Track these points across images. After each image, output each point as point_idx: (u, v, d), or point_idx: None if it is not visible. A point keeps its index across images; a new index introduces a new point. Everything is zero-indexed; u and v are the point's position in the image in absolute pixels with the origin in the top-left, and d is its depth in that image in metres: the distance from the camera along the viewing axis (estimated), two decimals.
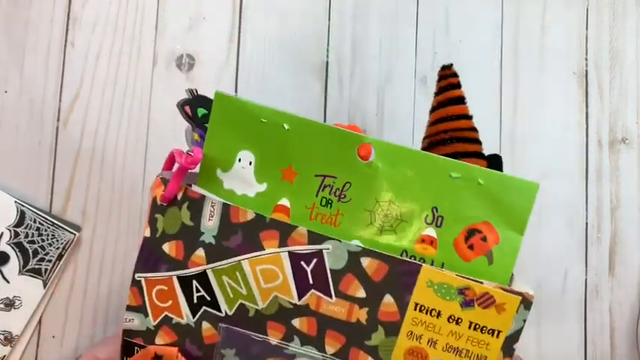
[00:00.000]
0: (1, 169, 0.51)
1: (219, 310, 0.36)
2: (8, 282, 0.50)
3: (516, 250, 0.34)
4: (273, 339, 0.36)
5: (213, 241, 0.36)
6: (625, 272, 0.51)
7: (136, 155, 0.52)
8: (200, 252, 0.36)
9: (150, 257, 0.37)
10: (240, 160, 0.37)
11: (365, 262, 0.35)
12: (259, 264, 0.36)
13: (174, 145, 0.41)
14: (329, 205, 0.36)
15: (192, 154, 0.36)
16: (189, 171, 0.37)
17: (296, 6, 0.54)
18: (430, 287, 0.34)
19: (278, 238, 0.35)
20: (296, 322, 0.35)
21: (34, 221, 0.50)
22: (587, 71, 0.52)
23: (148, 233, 0.37)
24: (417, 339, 0.34)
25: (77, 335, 0.50)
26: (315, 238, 0.35)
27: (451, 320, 0.34)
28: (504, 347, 0.34)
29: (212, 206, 0.36)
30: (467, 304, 0.34)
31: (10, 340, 0.50)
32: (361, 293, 0.35)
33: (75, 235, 0.51)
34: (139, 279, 0.37)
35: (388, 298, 0.34)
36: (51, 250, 0.50)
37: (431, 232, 0.35)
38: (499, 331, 0.34)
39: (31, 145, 0.52)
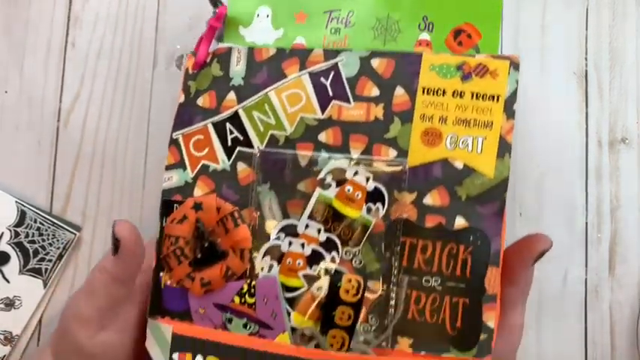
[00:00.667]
0: (1, 169, 0.52)
1: (252, 147, 0.39)
2: (8, 282, 0.50)
3: (497, 43, 0.39)
4: (304, 153, 0.39)
5: (242, 82, 0.40)
6: (625, 272, 0.51)
7: (136, 155, 0.52)
8: (231, 95, 0.40)
9: (185, 115, 0.41)
10: (258, 15, 0.42)
11: (375, 62, 0.39)
12: (284, 91, 0.39)
13: None
14: (337, 33, 0.41)
15: (217, 11, 0.40)
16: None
17: None
18: (433, 70, 0.38)
19: (298, 64, 0.40)
20: (322, 137, 0.39)
21: (35, 221, 0.50)
22: (587, 71, 0.52)
23: (182, 99, 0.42)
24: (429, 120, 0.38)
25: None
26: (329, 54, 0.39)
27: (455, 95, 0.38)
28: (506, 109, 0.37)
29: (238, 53, 0.41)
30: (466, 77, 0.38)
31: (10, 339, 0.50)
32: (375, 92, 0.39)
33: (75, 235, 0.51)
34: (176, 137, 0.41)
35: (399, 90, 0.38)
36: (51, 249, 0.50)
37: (425, 36, 0.40)
38: (498, 96, 0.38)
39: (31, 145, 0.52)
